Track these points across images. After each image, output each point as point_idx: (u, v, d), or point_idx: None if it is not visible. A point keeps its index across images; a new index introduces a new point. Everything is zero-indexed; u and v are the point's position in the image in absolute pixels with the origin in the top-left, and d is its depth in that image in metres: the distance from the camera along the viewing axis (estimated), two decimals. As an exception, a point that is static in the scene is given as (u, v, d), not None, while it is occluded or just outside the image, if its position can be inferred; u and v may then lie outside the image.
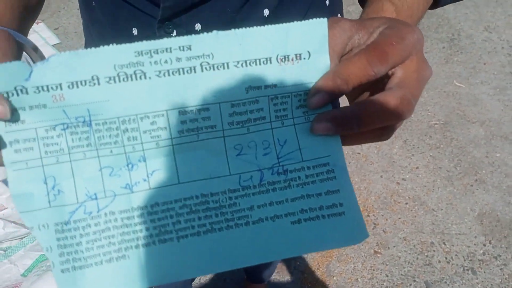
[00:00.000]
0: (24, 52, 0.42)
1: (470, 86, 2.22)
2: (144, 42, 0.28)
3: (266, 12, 0.49)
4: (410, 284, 1.46)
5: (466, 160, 1.86)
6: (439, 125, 2.03)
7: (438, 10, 2.61)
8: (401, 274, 1.49)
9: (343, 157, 0.33)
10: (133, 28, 0.50)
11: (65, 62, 0.27)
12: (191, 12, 0.47)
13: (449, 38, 2.49)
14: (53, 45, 2.35)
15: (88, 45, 0.62)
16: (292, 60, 0.30)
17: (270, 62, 0.30)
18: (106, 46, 0.27)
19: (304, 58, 0.31)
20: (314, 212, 0.33)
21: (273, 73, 0.31)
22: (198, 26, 0.48)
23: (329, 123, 0.31)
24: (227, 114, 0.31)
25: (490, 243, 1.56)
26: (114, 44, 0.28)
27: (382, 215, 1.64)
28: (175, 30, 0.48)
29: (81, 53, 0.27)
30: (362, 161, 1.86)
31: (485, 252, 1.54)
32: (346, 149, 1.91)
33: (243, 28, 0.29)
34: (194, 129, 0.31)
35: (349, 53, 0.33)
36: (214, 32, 0.29)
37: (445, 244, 1.55)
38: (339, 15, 0.60)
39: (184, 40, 0.28)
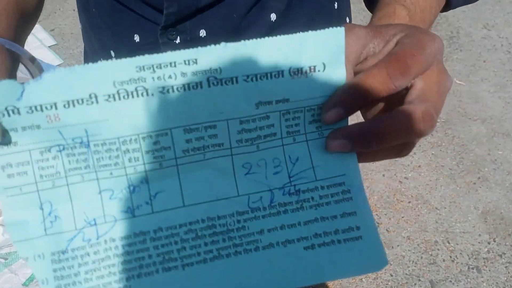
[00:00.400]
0: (20, 64, 0.40)
1: (470, 83, 2.21)
2: (146, 56, 0.26)
3: (273, 16, 0.47)
4: (415, 284, 1.44)
5: (468, 158, 1.84)
6: (440, 123, 2.01)
7: (437, 8, 2.61)
8: (406, 274, 1.47)
9: (360, 176, 0.31)
10: (135, 35, 0.48)
11: (60, 80, 0.25)
12: (195, 18, 0.45)
13: (448, 36, 2.48)
14: (49, 47, 2.32)
15: (88, 52, 0.60)
16: (306, 72, 0.28)
17: (282, 76, 0.28)
18: (104, 61, 0.25)
19: (319, 70, 0.28)
20: (329, 237, 0.31)
21: (285, 87, 0.28)
22: (202, 33, 0.46)
23: (346, 140, 0.29)
24: (235, 132, 0.29)
25: (494, 241, 1.54)
26: (114, 59, 0.25)
27: (385, 214, 1.62)
28: (178, 37, 0.46)
29: (78, 70, 0.25)
30: (364, 160, 1.84)
31: (489, 250, 1.52)
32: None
33: (254, 40, 0.27)
34: (200, 148, 0.29)
35: (363, 62, 0.31)
36: (222, 44, 0.26)
37: (449, 243, 1.54)
38: (347, 19, 0.58)
39: (190, 53, 0.26)
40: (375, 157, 0.31)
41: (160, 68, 0.26)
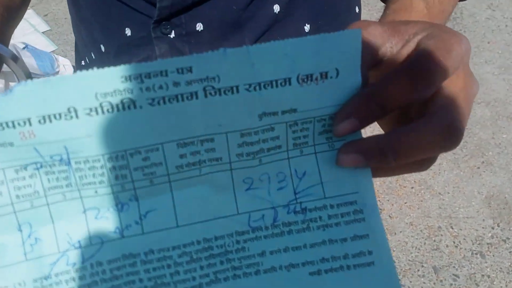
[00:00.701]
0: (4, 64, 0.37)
1: (474, 65, 2.16)
2: (133, 64, 0.22)
3: (276, 8, 0.44)
4: (418, 270, 1.42)
5: (472, 142, 1.81)
6: (443, 106, 1.98)
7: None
8: (409, 260, 1.45)
9: (374, 194, 0.28)
10: (126, 28, 0.45)
11: (34, 93, 0.22)
12: (191, 11, 0.42)
13: (452, 17, 2.42)
14: (43, 32, 2.28)
15: (78, 45, 0.57)
16: (317, 79, 0.25)
17: (290, 84, 0.24)
18: (85, 72, 0.22)
19: (331, 77, 0.25)
20: (337, 262, 0.28)
21: (292, 96, 0.25)
22: (199, 26, 0.43)
23: (360, 155, 0.26)
24: (235, 145, 0.26)
25: (498, 226, 1.52)
26: (95, 69, 0.22)
27: (388, 200, 1.60)
28: (173, 31, 0.43)
29: (54, 82, 0.22)
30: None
31: (493, 235, 1.50)
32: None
33: (257, 44, 0.23)
34: (195, 163, 0.26)
35: (379, 65, 0.27)
36: (221, 50, 0.23)
37: (452, 228, 1.51)
38: (356, 8, 0.55)
39: (183, 60, 0.23)
40: (392, 172, 0.28)
41: (149, 77, 0.22)
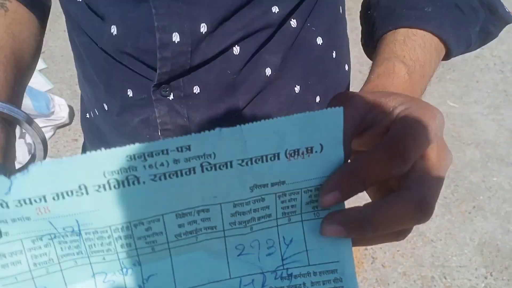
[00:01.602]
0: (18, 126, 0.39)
1: (463, 105, 2.21)
2: (137, 145, 0.25)
3: (268, 71, 0.47)
4: (412, 321, 1.44)
5: (463, 185, 1.84)
6: (434, 148, 2.01)
7: (430, 27, 2.61)
8: (402, 311, 1.46)
9: (353, 263, 0.30)
10: (128, 90, 0.48)
11: (48, 172, 0.24)
12: (189, 75, 0.45)
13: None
14: (40, 70, 2.29)
15: (84, 99, 0.59)
16: (303, 154, 0.27)
17: (278, 158, 0.27)
18: (94, 152, 0.24)
19: (316, 152, 0.27)
20: None
21: (281, 169, 0.27)
22: (196, 89, 0.46)
23: (341, 227, 0.28)
24: (228, 214, 0.28)
25: (491, 275, 1.54)
26: (103, 149, 0.24)
27: (381, 248, 1.61)
28: (172, 93, 0.45)
29: (66, 162, 0.24)
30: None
31: (486, 285, 1.51)
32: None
33: (249, 124, 0.26)
34: (192, 231, 0.29)
35: (361, 135, 0.30)
36: (217, 130, 0.25)
37: (446, 278, 1.53)
38: (346, 66, 0.57)
39: (183, 140, 0.25)
40: (370, 242, 0.31)
41: (152, 156, 0.25)
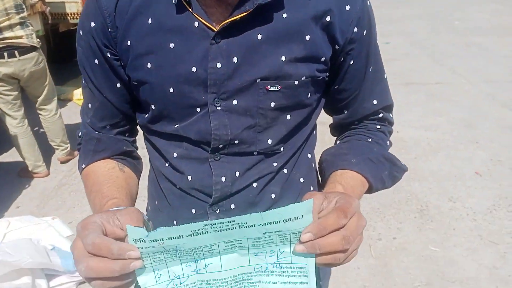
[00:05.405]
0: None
1: (444, 249, 2.44)
2: (208, 221, 0.53)
3: (273, 195, 0.82)
4: None
5: (451, 317, 1.96)
6: (422, 286, 2.18)
7: (405, 187, 2.99)
8: None
9: (314, 265, 0.59)
10: (192, 209, 0.81)
11: (166, 230, 0.52)
12: (228, 199, 0.79)
13: (419, 210, 2.80)
14: (66, 237, 2.59)
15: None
16: (293, 219, 0.55)
17: (279, 222, 0.55)
18: (187, 224, 0.52)
19: (299, 218, 0.55)
20: None
21: (280, 226, 0.55)
22: (232, 206, 0.80)
23: (303, 247, 0.56)
24: (251, 242, 0.58)
25: None
26: (191, 223, 0.52)
27: None
28: (218, 209, 0.80)
29: (175, 228, 0.52)
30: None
31: None
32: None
33: (266, 212, 0.53)
34: (232, 247, 0.58)
35: (319, 213, 0.59)
36: (248, 214, 0.53)
37: None
38: (311, 188, 0.91)
39: (231, 218, 0.53)
40: (323, 258, 0.57)
41: (216, 224, 0.53)
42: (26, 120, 3.25)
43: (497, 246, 2.45)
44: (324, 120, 0.89)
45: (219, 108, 0.72)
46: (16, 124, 3.18)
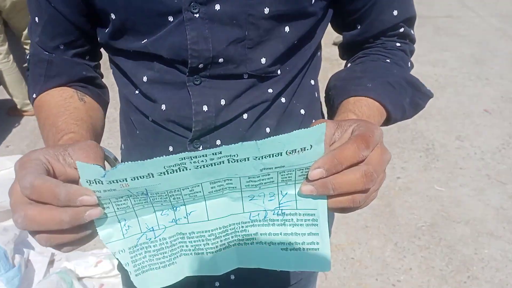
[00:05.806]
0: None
1: (450, 189, 2.37)
2: (186, 152, 0.38)
3: (267, 130, 0.66)
4: None
5: (456, 258, 1.92)
6: (426, 226, 2.12)
7: (411, 125, 2.87)
8: None
9: (326, 211, 0.44)
10: (170, 146, 0.66)
11: (129, 168, 0.38)
12: (213, 133, 0.64)
13: (425, 148, 2.70)
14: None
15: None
16: (298, 152, 0.40)
17: (281, 155, 0.40)
18: (158, 158, 0.38)
19: (307, 149, 0.40)
20: (298, 245, 0.46)
21: (282, 160, 0.41)
22: (218, 142, 0.64)
23: (312, 187, 0.42)
24: (244, 182, 0.43)
25: (491, 338, 1.56)
26: (164, 156, 0.38)
27: (382, 317, 1.65)
28: (201, 146, 0.64)
29: (140, 163, 0.38)
30: (357, 266, 1.91)
31: None
32: (340, 255, 1.97)
33: (263, 139, 0.39)
34: (220, 189, 0.44)
35: (332, 145, 0.45)
36: (240, 143, 0.38)
37: None
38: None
39: (216, 149, 0.38)
40: (337, 201, 0.43)
41: (196, 157, 0.38)
42: (11, 56, 3.06)
43: (505, 186, 2.37)
44: (328, 55, 0.74)
45: (197, 15, 0.56)
46: (1, 60, 3.00)
